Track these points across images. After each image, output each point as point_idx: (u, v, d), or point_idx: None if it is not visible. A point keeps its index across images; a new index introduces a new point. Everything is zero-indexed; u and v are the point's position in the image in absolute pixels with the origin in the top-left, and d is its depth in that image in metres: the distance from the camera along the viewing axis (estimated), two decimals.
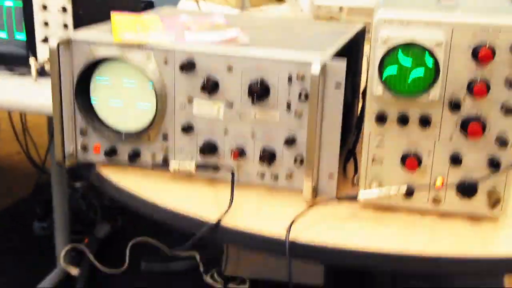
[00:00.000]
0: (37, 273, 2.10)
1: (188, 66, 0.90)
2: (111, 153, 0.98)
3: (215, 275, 2.02)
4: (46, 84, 1.36)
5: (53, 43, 0.93)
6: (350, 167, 1.01)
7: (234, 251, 1.93)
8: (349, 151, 1.04)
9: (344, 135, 0.94)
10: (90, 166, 1.00)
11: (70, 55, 0.95)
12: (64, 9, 1.39)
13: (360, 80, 1.12)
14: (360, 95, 1.05)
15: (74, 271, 2.06)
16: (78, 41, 0.94)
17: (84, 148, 1.00)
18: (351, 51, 1.01)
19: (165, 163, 0.96)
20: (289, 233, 0.80)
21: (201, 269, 2.07)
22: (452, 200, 0.86)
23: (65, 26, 1.40)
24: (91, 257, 2.07)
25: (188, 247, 0.85)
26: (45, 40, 1.41)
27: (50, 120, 1.94)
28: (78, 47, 0.94)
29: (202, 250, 2.10)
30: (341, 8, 1.71)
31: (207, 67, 0.90)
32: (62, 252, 2.05)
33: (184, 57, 0.90)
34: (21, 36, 1.44)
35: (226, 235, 0.84)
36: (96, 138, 0.99)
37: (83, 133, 0.99)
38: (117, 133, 0.98)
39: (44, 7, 1.40)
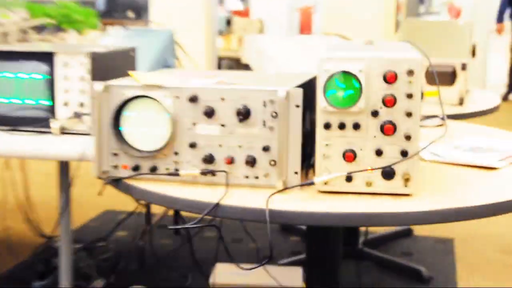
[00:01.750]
0: None
1: (193, 99, 1.30)
2: (135, 168, 1.36)
3: None
4: (66, 139, 1.69)
5: (98, 87, 1.33)
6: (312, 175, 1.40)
7: None
8: (311, 164, 1.43)
9: (306, 152, 1.34)
10: (119, 180, 1.37)
11: (107, 97, 1.35)
12: (83, 78, 1.79)
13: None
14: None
15: None
16: (114, 86, 1.35)
17: (115, 166, 1.37)
18: (308, 91, 1.43)
19: (176, 173, 1.34)
20: (268, 203, 1.18)
21: None
22: (379, 183, 1.26)
23: (83, 92, 1.79)
24: None
25: (198, 223, 1.21)
26: (66, 104, 1.79)
27: (61, 190, 2.25)
28: (113, 90, 1.34)
29: None
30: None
31: (206, 99, 1.31)
32: None
33: (190, 92, 1.31)
34: (46, 103, 1.81)
35: (224, 211, 1.21)
36: (124, 159, 1.37)
37: (115, 155, 1.37)
38: (141, 152, 1.36)
39: (66, 78, 1.80)
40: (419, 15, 9.88)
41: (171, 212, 3.25)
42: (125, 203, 2.95)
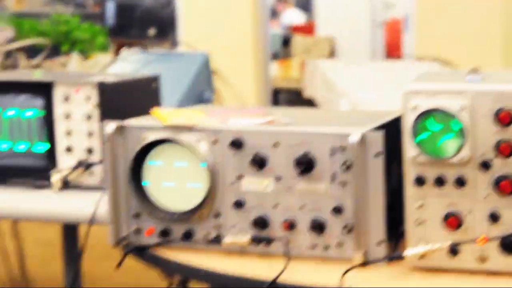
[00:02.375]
0: None
1: (237, 144, 1.38)
2: (164, 234, 1.43)
3: None
4: (70, 196, 1.79)
5: (109, 128, 1.42)
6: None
7: None
8: (401, 232, 1.47)
9: (395, 217, 1.39)
10: (143, 249, 1.44)
11: (123, 141, 1.43)
12: (89, 117, 1.88)
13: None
14: None
15: None
16: (131, 127, 1.43)
17: (138, 231, 1.45)
18: (394, 135, 1.48)
19: (218, 240, 1.40)
20: (343, 282, 1.23)
21: None
22: (496, 258, 1.28)
23: (90, 134, 1.88)
24: None
25: None
26: (68, 149, 1.88)
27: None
28: (131, 133, 1.43)
29: None
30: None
31: (254, 144, 1.38)
32: None
33: (233, 136, 1.38)
34: (41, 147, 1.89)
35: None
36: (149, 221, 1.44)
37: (136, 216, 1.45)
38: (170, 213, 1.43)
39: (67, 116, 1.89)
40: None
41: None
42: (152, 280, 2.98)
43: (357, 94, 2.35)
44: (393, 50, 8.29)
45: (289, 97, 8.11)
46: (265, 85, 6.01)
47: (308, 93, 2.72)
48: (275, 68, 7.94)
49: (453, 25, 4.96)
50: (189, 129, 1.41)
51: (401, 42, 5.66)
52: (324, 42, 8.39)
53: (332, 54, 8.37)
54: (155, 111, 1.52)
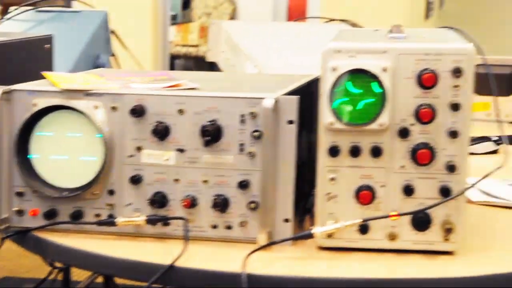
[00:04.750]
0: None
1: (138, 111, 1.28)
2: (50, 215, 1.33)
3: None
4: None
5: None
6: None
7: None
8: (308, 208, 1.42)
9: (302, 191, 1.33)
10: (24, 232, 1.34)
11: (10, 108, 1.32)
12: None
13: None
14: None
15: None
16: (19, 91, 1.32)
17: (20, 212, 1.34)
18: (306, 101, 1.43)
19: (111, 220, 1.31)
20: (245, 265, 1.16)
21: None
22: (408, 235, 1.24)
23: None
24: None
25: None
26: None
27: None
28: (19, 98, 1.32)
29: None
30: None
31: (157, 111, 1.29)
32: None
33: (134, 101, 1.29)
34: None
35: (182, 277, 1.19)
36: (34, 200, 1.34)
37: (20, 195, 1.34)
38: (58, 190, 1.33)
39: None
40: None
41: (100, 279, 3.21)
42: (34, 266, 2.91)
43: (264, 57, 2.29)
44: (295, 13, 8.29)
45: (188, 64, 8.03)
46: (163, 50, 5.90)
47: (210, 56, 2.63)
48: (172, 33, 7.83)
49: None
50: (85, 94, 1.31)
51: (306, 5, 5.65)
52: (225, 4, 8.32)
53: (233, 17, 8.32)
54: (48, 74, 1.42)
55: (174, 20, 6.90)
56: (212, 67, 2.79)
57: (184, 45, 8.11)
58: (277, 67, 2.24)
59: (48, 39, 1.95)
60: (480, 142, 2.05)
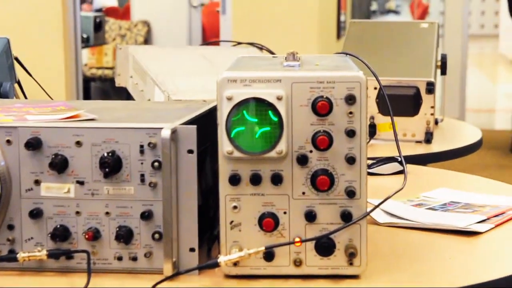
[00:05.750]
0: None
1: (34, 144, 1.26)
2: None
3: None
4: None
5: None
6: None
7: None
8: (215, 235, 1.41)
9: (208, 219, 1.33)
10: None
11: None
12: None
13: None
14: None
15: None
16: None
17: None
18: (209, 128, 1.42)
19: (12, 256, 1.28)
20: None
21: None
22: (312, 261, 1.26)
23: None
24: None
25: None
26: None
27: None
28: None
29: None
30: (204, 101, 2.13)
31: (54, 143, 1.27)
32: None
33: (29, 134, 1.27)
34: None
35: None
36: None
37: None
38: None
39: None
40: (370, 14, 10.22)
41: None
42: None
43: (173, 82, 2.28)
44: (211, 35, 8.31)
45: (103, 86, 7.95)
46: (76, 74, 5.83)
47: (120, 81, 2.60)
48: (87, 56, 7.75)
49: (269, 9, 5.00)
50: None
51: (220, 27, 5.65)
52: (139, 26, 8.28)
53: (148, 39, 8.28)
54: None
55: (86, 42, 6.81)
56: (126, 90, 2.76)
57: (99, 68, 8.03)
58: (186, 91, 2.23)
59: None
60: (387, 163, 2.08)
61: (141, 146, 1.27)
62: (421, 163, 2.26)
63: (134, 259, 1.29)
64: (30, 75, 2.41)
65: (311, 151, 1.24)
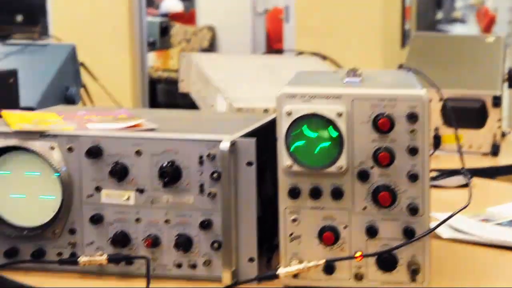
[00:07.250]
0: None
1: (94, 152, 1.27)
2: (11, 254, 1.31)
3: None
4: None
5: None
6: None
7: None
8: (274, 246, 1.40)
9: (267, 230, 1.32)
10: None
11: None
12: None
13: None
14: None
15: None
16: None
17: None
18: (270, 140, 1.41)
19: (73, 259, 1.29)
20: None
21: None
22: (374, 275, 1.23)
23: None
24: None
25: None
26: None
27: None
28: None
29: None
30: (266, 110, 2.13)
31: (114, 152, 1.27)
32: None
33: (90, 142, 1.27)
34: None
35: None
36: None
37: None
38: (18, 229, 1.31)
39: None
40: (436, 23, 10.10)
41: None
42: None
43: (235, 89, 2.27)
44: (275, 41, 8.30)
45: (168, 88, 8.00)
46: (142, 77, 5.87)
47: (183, 87, 2.62)
48: (152, 59, 7.81)
49: (332, 17, 4.96)
50: (40, 135, 1.30)
51: (284, 33, 5.63)
52: (204, 31, 8.32)
53: (213, 43, 8.31)
54: (5, 113, 1.40)
55: (153, 46, 6.87)
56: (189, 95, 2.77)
57: (165, 70, 8.10)
58: (247, 98, 2.23)
59: (12, 73, 1.93)
60: (452, 176, 2.04)
61: (200, 157, 1.26)
62: (488, 177, 2.21)
63: (193, 266, 1.29)
64: (96, 80, 2.44)
65: (372, 167, 1.21)
